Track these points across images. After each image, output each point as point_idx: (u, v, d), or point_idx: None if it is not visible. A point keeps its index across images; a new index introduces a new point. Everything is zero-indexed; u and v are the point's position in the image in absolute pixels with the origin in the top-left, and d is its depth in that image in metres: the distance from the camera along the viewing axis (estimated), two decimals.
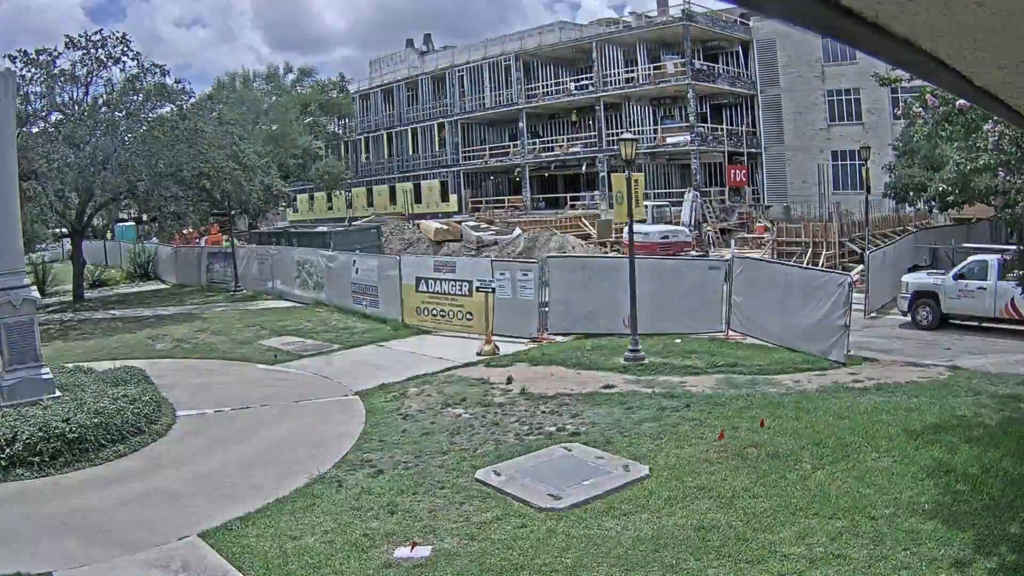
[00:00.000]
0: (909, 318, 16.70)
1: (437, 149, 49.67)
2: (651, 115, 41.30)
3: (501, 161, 47.22)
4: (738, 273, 16.23)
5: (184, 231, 33.41)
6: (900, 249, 21.90)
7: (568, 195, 43.85)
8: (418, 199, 49.17)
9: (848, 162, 36.93)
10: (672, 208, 34.72)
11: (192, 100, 26.24)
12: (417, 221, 40.92)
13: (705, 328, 16.20)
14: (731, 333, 16.08)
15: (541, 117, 47.14)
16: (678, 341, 15.41)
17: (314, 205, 56.96)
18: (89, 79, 23.86)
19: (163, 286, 30.36)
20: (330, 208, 54.88)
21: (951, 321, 16.25)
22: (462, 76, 48.12)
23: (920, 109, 10.66)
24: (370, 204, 52.64)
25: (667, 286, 16.31)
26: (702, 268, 17.27)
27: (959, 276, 16.00)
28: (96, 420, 9.51)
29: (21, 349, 10.43)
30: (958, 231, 25.03)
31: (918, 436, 9.09)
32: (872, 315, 17.96)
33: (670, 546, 6.61)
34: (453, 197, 47.87)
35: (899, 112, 13.00)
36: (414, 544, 6.84)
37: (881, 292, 18.91)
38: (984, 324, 15.75)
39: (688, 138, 38.11)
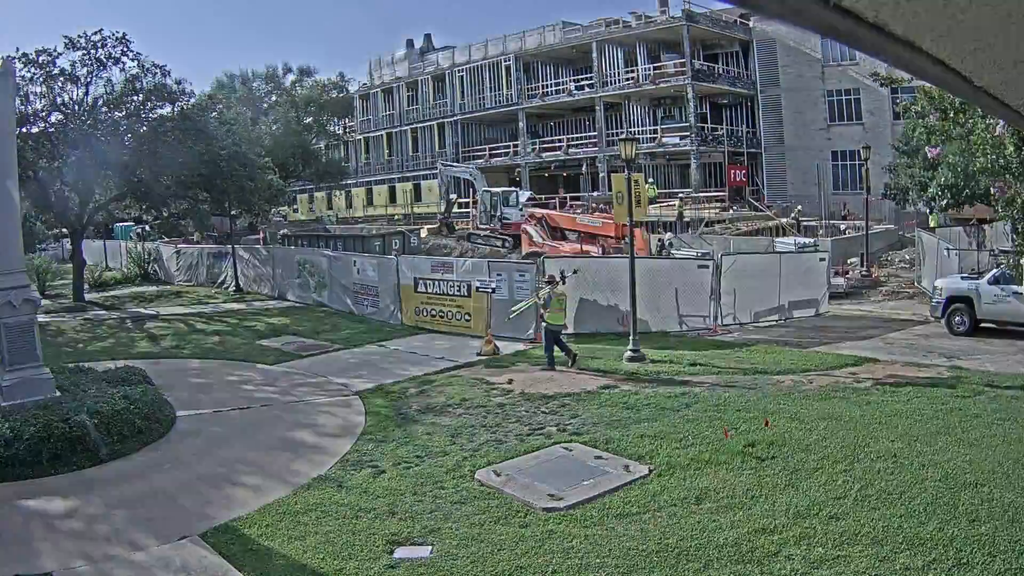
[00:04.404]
0: (944, 324, 16.22)
1: (437, 149, 49.67)
2: (651, 115, 41.29)
3: (501, 161, 47.21)
4: (728, 267, 17.10)
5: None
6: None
7: (569, 195, 43.86)
8: (418, 199, 49.19)
9: (848, 162, 36.95)
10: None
11: (192, 100, 26.22)
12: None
13: (695, 323, 16.77)
14: (719, 327, 16.86)
15: (541, 117, 47.13)
16: (672, 347, 15.43)
17: (314, 205, 56.97)
18: (89, 79, 23.83)
19: (164, 286, 30.35)
20: (330, 208, 54.89)
21: (982, 326, 15.76)
22: (462, 76, 48.13)
23: (921, 108, 10.69)
24: (370, 204, 52.66)
25: (659, 285, 16.53)
26: (691, 267, 17.55)
27: (995, 281, 15.65)
28: (96, 420, 9.51)
29: (21, 349, 10.40)
30: (959, 232, 24.89)
31: (919, 437, 9.09)
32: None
33: (671, 546, 6.60)
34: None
35: (899, 109, 13.02)
36: (414, 544, 6.83)
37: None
38: (1018, 329, 15.23)
39: (685, 137, 38.11)
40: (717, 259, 17.45)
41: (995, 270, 16.25)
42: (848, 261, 25.59)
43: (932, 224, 26.64)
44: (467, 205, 39.93)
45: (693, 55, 38.69)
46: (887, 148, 30.46)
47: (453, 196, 38.82)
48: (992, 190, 10.36)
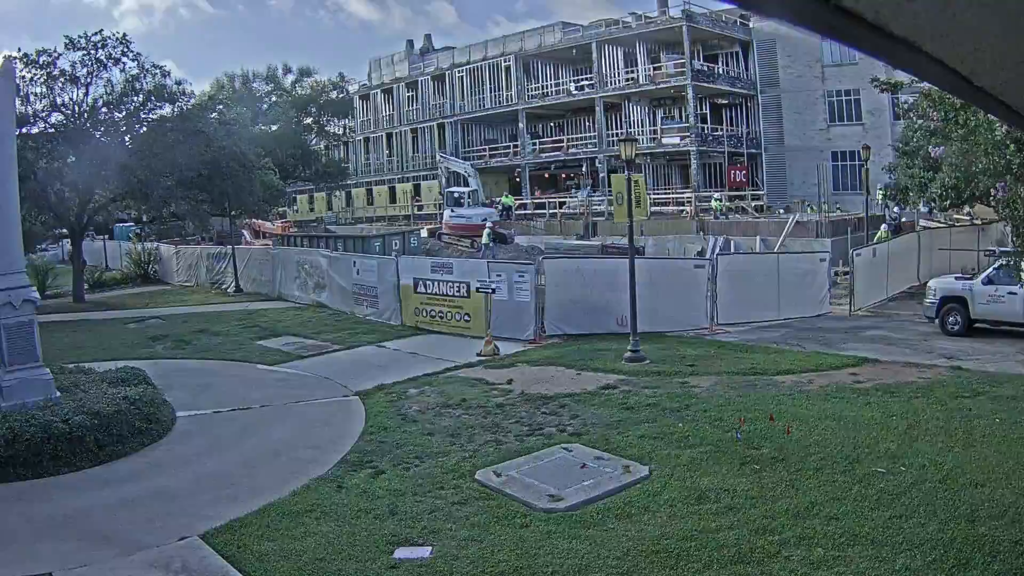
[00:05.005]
0: (937, 324, 16.08)
1: (437, 149, 49.66)
2: (651, 115, 41.28)
3: (501, 161, 47.20)
4: (726, 267, 17.42)
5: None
6: (891, 251, 21.20)
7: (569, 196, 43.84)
8: (418, 199, 49.18)
9: (848, 162, 36.91)
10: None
11: (192, 101, 26.26)
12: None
13: (691, 323, 16.92)
14: (716, 327, 16.98)
15: (541, 117, 47.12)
16: (669, 335, 15.46)
17: (314, 205, 56.94)
18: (89, 80, 23.86)
19: (163, 286, 30.35)
20: (330, 208, 54.86)
21: (976, 326, 15.65)
22: (462, 76, 48.12)
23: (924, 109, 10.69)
24: (370, 203, 52.63)
25: (657, 285, 16.55)
26: (688, 268, 17.71)
27: (988, 281, 15.53)
28: (96, 421, 9.51)
29: (21, 350, 10.40)
30: (966, 233, 24.53)
31: (918, 437, 9.09)
32: (859, 311, 18.48)
33: (671, 547, 6.60)
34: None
35: (900, 110, 13.06)
36: (414, 545, 6.83)
37: (874, 290, 19.38)
38: (1013, 329, 15.11)
39: (686, 137, 38.12)
40: (714, 259, 17.49)
41: (989, 270, 16.16)
42: (848, 260, 25.49)
43: (880, 237, 25.70)
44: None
45: (693, 55, 38.66)
46: (887, 148, 30.44)
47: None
48: (993, 191, 10.32)
